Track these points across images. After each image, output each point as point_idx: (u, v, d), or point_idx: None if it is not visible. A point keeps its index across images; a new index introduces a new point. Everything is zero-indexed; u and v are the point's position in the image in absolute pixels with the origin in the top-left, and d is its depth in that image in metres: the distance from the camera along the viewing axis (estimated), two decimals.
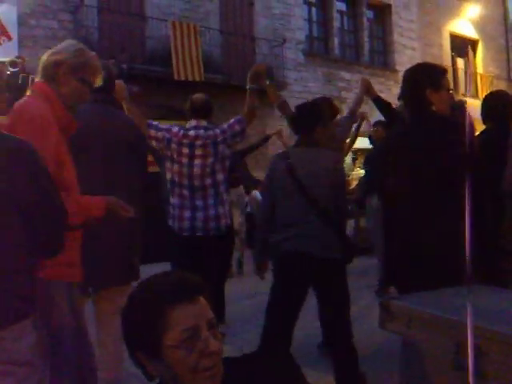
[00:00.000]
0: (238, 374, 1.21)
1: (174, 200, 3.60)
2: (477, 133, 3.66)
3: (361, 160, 14.01)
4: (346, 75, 16.65)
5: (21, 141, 1.75)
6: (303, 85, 15.46)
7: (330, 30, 16.91)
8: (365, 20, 17.71)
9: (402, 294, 2.44)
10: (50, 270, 1.95)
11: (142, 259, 6.75)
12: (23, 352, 1.59)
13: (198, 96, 3.82)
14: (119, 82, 3.34)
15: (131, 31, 12.47)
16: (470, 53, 21.30)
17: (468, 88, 19.94)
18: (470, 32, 20.92)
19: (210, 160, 3.55)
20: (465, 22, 20.64)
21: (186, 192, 3.55)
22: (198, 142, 3.54)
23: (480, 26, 21.04)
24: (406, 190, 2.81)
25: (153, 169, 7.25)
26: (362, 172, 12.74)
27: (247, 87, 3.68)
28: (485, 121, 3.64)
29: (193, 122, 3.66)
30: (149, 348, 1.17)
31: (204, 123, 3.66)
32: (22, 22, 11.17)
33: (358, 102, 4.08)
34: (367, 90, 3.59)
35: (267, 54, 14.58)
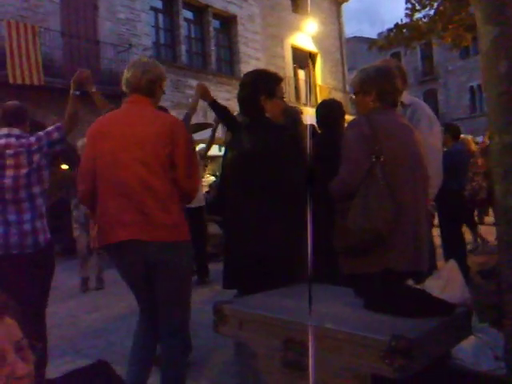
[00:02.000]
0: None
1: None
2: None
3: (211, 167, 14.18)
4: (194, 83, 16.75)
5: None
6: None
7: (177, 38, 16.95)
8: (211, 29, 18.03)
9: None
10: None
11: None
12: None
13: (11, 103, 3.52)
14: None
15: None
16: (310, 65, 22.67)
17: (309, 98, 21.20)
18: (309, 45, 22.26)
19: (23, 171, 3.27)
20: (305, 36, 21.92)
21: None
22: (9, 152, 3.25)
23: (318, 40, 22.50)
24: (240, 193, 2.88)
25: None
26: (212, 179, 12.93)
27: (70, 92, 3.54)
28: (319, 127, 3.91)
29: (4, 130, 3.34)
30: None
31: (16, 131, 3.39)
32: None
33: (193, 107, 4.16)
34: (204, 95, 3.65)
35: (112, 59, 14.20)
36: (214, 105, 3.44)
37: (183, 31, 17.09)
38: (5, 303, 1.12)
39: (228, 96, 17.58)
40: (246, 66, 18.59)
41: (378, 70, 2.71)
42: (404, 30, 11.80)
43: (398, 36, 11.95)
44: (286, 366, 1.68)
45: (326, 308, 1.93)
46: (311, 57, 22.68)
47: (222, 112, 3.43)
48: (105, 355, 4.21)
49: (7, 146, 3.24)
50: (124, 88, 2.90)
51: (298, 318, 1.74)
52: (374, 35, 40.58)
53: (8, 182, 3.21)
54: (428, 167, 2.67)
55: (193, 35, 17.85)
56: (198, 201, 6.81)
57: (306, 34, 21.92)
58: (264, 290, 2.22)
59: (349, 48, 26.62)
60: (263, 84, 2.99)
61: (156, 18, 16.62)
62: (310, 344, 1.61)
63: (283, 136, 2.91)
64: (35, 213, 3.30)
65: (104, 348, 4.44)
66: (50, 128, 3.47)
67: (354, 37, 37.16)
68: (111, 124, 2.84)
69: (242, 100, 3.05)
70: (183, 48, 16.98)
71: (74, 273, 7.80)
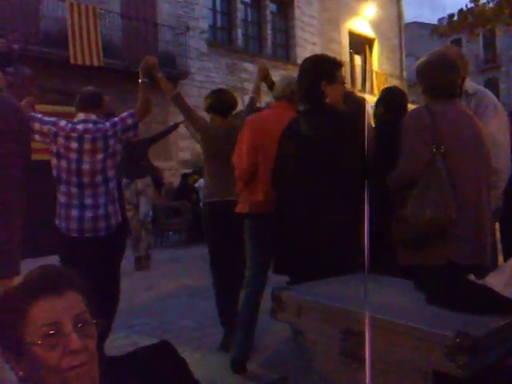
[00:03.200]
0: (119, 372, 1.16)
1: (61, 198, 3.34)
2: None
3: None
4: (249, 66, 16.77)
5: None
6: (206, 74, 15.39)
7: (233, 21, 16.94)
8: (268, 13, 17.92)
9: (293, 284, 2.48)
10: None
11: (30, 253, 6.43)
12: None
13: (88, 89, 3.60)
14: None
15: (25, 10, 11.74)
16: (367, 50, 22.24)
17: (365, 84, 20.82)
18: (367, 30, 21.82)
19: (99, 156, 3.35)
20: (362, 21, 21.49)
21: (74, 190, 3.32)
22: (87, 136, 3.33)
23: (376, 25, 22.03)
24: (296, 178, 2.85)
25: (40, 156, 6.95)
26: None
27: (139, 81, 3.60)
28: (385, 113, 3.77)
29: (81, 116, 3.43)
30: (11, 346, 1.08)
31: (93, 117, 3.46)
32: None
33: (257, 90, 4.13)
34: (265, 77, 3.64)
35: (170, 42, 14.34)
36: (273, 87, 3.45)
37: (240, 14, 17.07)
38: (67, 279, 1.14)
39: None
40: (302, 51, 18.42)
41: (429, 62, 2.63)
42: (468, 16, 11.37)
43: (462, 22, 11.54)
44: (343, 355, 1.66)
45: (385, 299, 1.90)
46: (368, 42, 22.25)
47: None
48: (158, 333, 4.31)
49: (85, 131, 3.33)
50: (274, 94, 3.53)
51: (357, 307, 1.71)
52: (434, 20, 39.41)
53: (86, 166, 3.30)
54: (496, 159, 2.57)
55: (249, 19, 17.80)
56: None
57: (364, 18, 21.50)
58: (317, 278, 2.20)
59: (407, 33, 25.91)
60: (324, 69, 2.93)
61: (213, 1, 16.65)
62: (368, 335, 1.58)
63: (344, 122, 2.86)
64: (109, 197, 3.38)
65: (157, 326, 4.53)
66: (123, 114, 3.54)
67: (414, 22, 36.16)
68: (266, 122, 3.33)
69: (302, 85, 3.01)
70: (239, 31, 16.96)
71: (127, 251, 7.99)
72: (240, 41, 16.97)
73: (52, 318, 1.07)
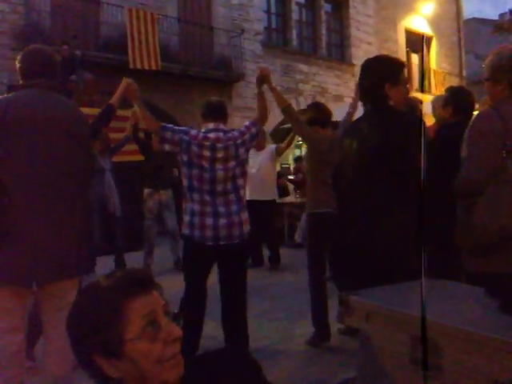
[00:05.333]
0: (197, 372, 1.18)
1: (192, 206, 3.41)
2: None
3: None
4: (304, 67, 16.73)
5: None
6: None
7: (288, 22, 16.93)
8: (323, 13, 17.81)
9: (356, 289, 2.45)
10: None
11: (112, 249, 6.63)
12: None
13: (215, 99, 3.72)
14: (130, 81, 3.26)
15: (85, 17, 12.14)
16: (425, 49, 21.74)
17: (423, 83, 20.36)
18: (424, 28, 21.34)
19: (232, 164, 3.43)
20: (420, 19, 21.04)
21: (207, 198, 3.39)
22: (219, 145, 3.41)
23: (434, 22, 21.51)
24: (358, 182, 2.82)
25: (134, 158, 7.11)
26: None
27: (256, 92, 3.73)
28: (454, 114, 3.67)
29: (210, 125, 3.51)
30: (108, 348, 1.11)
31: (221, 126, 3.53)
32: None
33: (355, 106, 4.26)
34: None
35: (225, 45, 14.48)
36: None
37: (294, 15, 17.04)
38: (151, 279, 1.20)
39: (337, 81, 17.35)
40: (357, 51, 18.22)
41: None
42: None
43: None
44: (414, 363, 1.63)
45: (455, 307, 1.85)
46: (426, 40, 21.74)
47: None
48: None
49: (217, 139, 3.41)
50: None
51: (427, 314, 1.68)
52: (494, 16, 38.06)
53: (219, 174, 3.39)
54: None
55: (304, 19, 17.74)
56: (271, 194, 7.43)
57: (421, 15, 21.03)
58: (382, 283, 2.17)
59: (467, 30, 25.15)
60: (387, 71, 2.88)
61: (268, 3, 16.67)
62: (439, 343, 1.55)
63: (408, 125, 2.80)
64: (240, 204, 3.45)
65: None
66: (247, 123, 3.66)
67: (473, 18, 35.05)
68: None
69: (365, 87, 2.96)
70: (294, 32, 16.93)
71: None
72: (295, 42, 16.94)
73: (147, 310, 1.13)
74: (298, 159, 12.28)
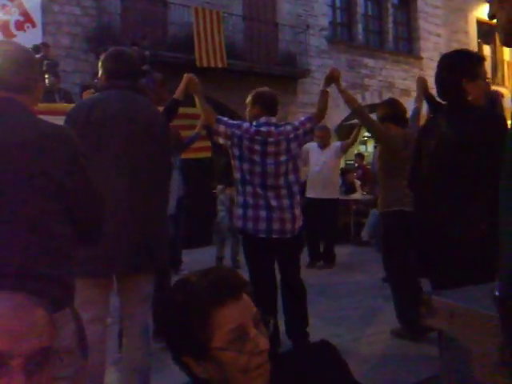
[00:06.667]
0: (285, 370, 1.17)
1: (245, 199, 3.44)
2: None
3: None
4: (370, 62, 16.43)
5: (60, 126, 1.79)
6: (326, 72, 15.19)
7: (353, 16, 16.67)
8: (389, 6, 17.41)
9: (438, 289, 2.39)
10: None
11: (185, 245, 6.79)
12: (64, 340, 1.56)
13: (268, 91, 3.68)
14: (191, 76, 3.34)
15: (154, 17, 12.43)
16: (497, 39, 20.84)
17: (496, 75, 19.56)
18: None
19: (283, 158, 3.42)
20: None
21: (259, 191, 3.41)
22: (271, 139, 3.42)
23: None
24: (438, 181, 2.75)
25: (202, 155, 7.29)
26: None
27: (321, 89, 3.73)
28: None
29: (263, 119, 3.51)
30: (196, 351, 1.11)
31: (274, 120, 3.54)
32: (45, 8, 11.17)
33: (420, 101, 4.12)
34: (425, 88, 3.58)
35: (290, 41, 14.44)
36: (429, 97, 3.38)
37: (360, 9, 16.76)
38: (242, 282, 1.18)
39: (405, 75, 16.92)
40: (426, 43, 17.71)
41: None
42: None
43: None
44: (503, 366, 1.55)
45: None
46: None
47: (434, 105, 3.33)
48: None
49: (268, 133, 3.44)
50: None
51: None
52: None
53: (270, 168, 3.40)
54: None
55: (370, 13, 17.41)
56: (334, 193, 7.35)
57: None
58: (464, 283, 2.09)
59: None
60: (465, 65, 2.77)
61: None
62: None
63: (487, 121, 2.69)
64: (293, 200, 3.47)
65: None
66: (302, 118, 3.66)
67: None
68: None
69: (442, 83, 2.86)
70: (360, 27, 16.65)
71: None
72: (360, 36, 16.66)
73: (236, 322, 1.10)
74: (358, 156, 12.37)
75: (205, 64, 12.19)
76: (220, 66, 12.43)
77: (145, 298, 2.64)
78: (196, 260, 6.96)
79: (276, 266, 3.60)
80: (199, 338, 1.10)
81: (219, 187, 7.56)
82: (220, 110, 3.61)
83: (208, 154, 7.70)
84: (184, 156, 7.21)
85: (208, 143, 7.49)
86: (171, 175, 2.99)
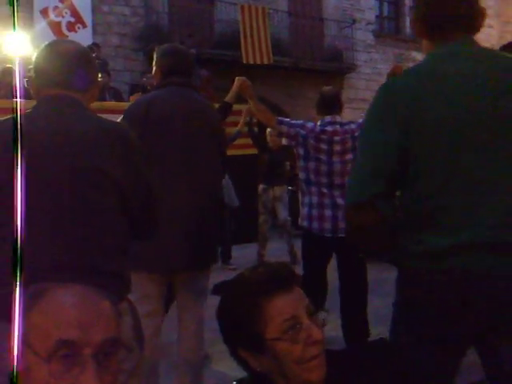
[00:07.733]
0: (343, 367, 1.17)
1: (310, 198, 3.44)
2: None
3: None
4: (418, 55, 16.06)
5: (116, 123, 1.86)
6: (373, 66, 15.09)
7: (401, 9, 16.37)
8: None
9: None
10: None
11: (233, 240, 6.84)
12: (122, 334, 1.59)
13: (330, 90, 3.67)
14: (244, 79, 3.37)
15: (200, 15, 12.55)
16: None
17: None
18: None
19: (349, 156, 3.39)
20: None
21: (325, 190, 3.40)
22: (337, 138, 3.40)
23: None
24: None
25: (246, 151, 7.31)
26: None
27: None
28: None
29: (327, 118, 3.49)
30: (251, 344, 1.14)
31: (338, 118, 3.52)
32: (95, 8, 11.45)
33: None
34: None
35: (336, 36, 14.32)
36: None
37: (408, 2, 16.41)
38: (294, 274, 1.19)
39: None
40: (477, 35, 17.20)
41: None
42: None
43: None
44: None
45: None
46: None
47: None
48: None
49: (334, 132, 3.43)
50: None
51: None
52: None
53: (336, 167, 3.39)
54: None
55: None
56: None
57: None
58: None
59: None
60: None
61: None
62: None
63: None
64: None
65: None
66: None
67: None
68: None
69: None
70: (407, 20, 16.33)
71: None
72: (408, 29, 16.33)
73: (290, 313, 1.12)
74: None
75: (251, 61, 12.23)
76: (266, 62, 12.44)
77: (201, 292, 2.67)
78: (243, 256, 7.00)
79: (330, 267, 3.55)
80: (253, 330, 1.13)
81: (261, 187, 7.41)
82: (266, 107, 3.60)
83: (254, 151, 7.73)
84: (229, 153, 7.27)
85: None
86: (225, 170, 3.01)
